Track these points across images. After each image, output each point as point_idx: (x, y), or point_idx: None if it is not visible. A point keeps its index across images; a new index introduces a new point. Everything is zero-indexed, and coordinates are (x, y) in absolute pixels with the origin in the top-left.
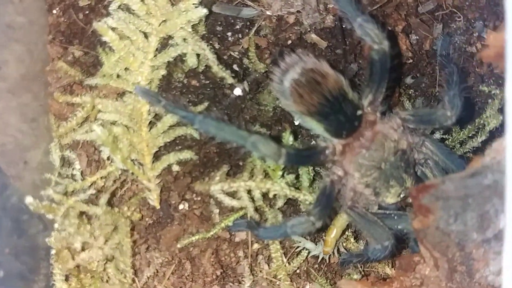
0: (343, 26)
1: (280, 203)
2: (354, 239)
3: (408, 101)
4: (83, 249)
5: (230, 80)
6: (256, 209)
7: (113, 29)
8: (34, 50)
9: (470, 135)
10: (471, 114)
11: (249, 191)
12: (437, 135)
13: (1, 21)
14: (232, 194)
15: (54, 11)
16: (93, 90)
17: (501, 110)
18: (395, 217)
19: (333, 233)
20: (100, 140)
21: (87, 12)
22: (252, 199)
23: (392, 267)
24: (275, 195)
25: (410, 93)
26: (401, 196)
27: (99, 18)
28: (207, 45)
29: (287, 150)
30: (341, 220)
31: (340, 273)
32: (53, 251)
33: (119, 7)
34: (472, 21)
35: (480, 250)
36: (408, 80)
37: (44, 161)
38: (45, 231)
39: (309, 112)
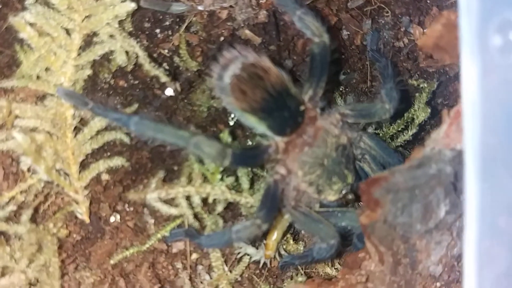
0: (277, 22)
1: (219, 208)
2: (293, 240)
3: (339, 97)
4: (2, 275)
5: (164, 79)
6: (195, 216)
7: (31, 25)
8: None
9: (399, 129)
10: (401, 108)
11: (187, 197)
12: (370, 130)
13: None
14: (169, 202)
15: None
16: (8, 94)
17: (428, 103)
18: (339, 214)
19: (274, 235)
20: (21, 149)
21: (0, 6)
22: (191, 206)
23: (332, 266)
24: (214, 200)
25: (341, 89)
26: (343, 192)
27: (14, 13)
28: (136, 42)
29: (232, 150)
30: (283, 221)
31: (281, 276)
32: None
33: (36, 1)
34: (399, 16)
35: (423, 241)
36: (340, 76)
37: None
38: None
39: (252, 109)
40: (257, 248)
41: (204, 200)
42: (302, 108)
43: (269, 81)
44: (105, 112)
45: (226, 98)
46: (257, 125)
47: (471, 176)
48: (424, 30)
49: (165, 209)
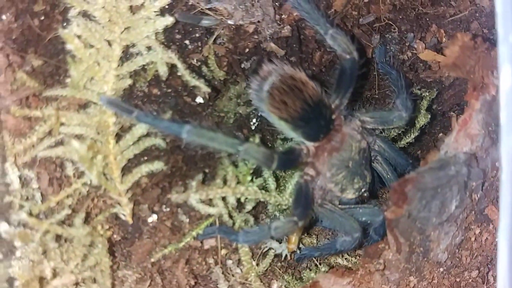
0: (300, 36)
1: (249, 206)
2: (307, 234)
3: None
4: (54, 276)
5: (205, 89)
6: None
7: (78, 36)
8: None
9: (400, 132)
10: None
11: (223, 198)
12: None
13: None
14: (206, 202)
15: (4, 17)
16: (51, 103)
17: (428, 109)
18: (360, 210)
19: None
20: (77, 156)
21: (42, 18)
22: (226, 205)
23: (342, 257)
24: (245, 199)
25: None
26: (362, 190)
27: (56, 25)
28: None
29: (278, 155)
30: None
31: (298, 268)
32: (17, 283)
33: (79, 13)
34: (405, 32)
35: (436, 232)
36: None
37: None
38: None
39: (290, 117)
40: (280, 243)
41: (237, 200)
42: (333, 116)
43: (307, 92)
44: (154, 120)
45: (264, 107)
46: (292, 132)
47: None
48: (443, 50)
49: (205, 209)
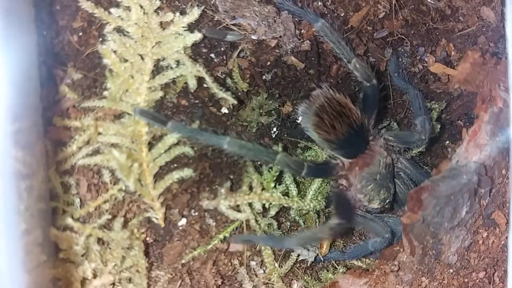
0: (319, 50)
1: (273, 212)
2: None
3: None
4: (94, 276)
5: (231, 101)
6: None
7: (114, 52)
8: (26, 73)
9: None
10: None
11: (250, 204)
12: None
13: None
14: (234, 207)
15: (45, 33)
16: (88, 113)
17: (438, 120)
18: (385, 219)
19: None
20: (117, 164)
21: (80, 34)
22: (253, 211)
23: (358, 260)
24: (270, 204)
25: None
26: (386, 201)
27: (93, 40)
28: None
29: (307, 163)
30: None
31: (315, 269)
32: (60, 283)
33: (114, 29)
34: (416, 46)
35: (447, 236)
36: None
37: (42, 189)
38: (48, 262)
39: (337, 139)
40: (308, 250)
41: (262, 206)
42: (370, 138)
43: (352, 117)
44: (193, 132)
45: (311, 128)
46: (334, 151)
47: None
48: (453, 64)
49: (234, 215)
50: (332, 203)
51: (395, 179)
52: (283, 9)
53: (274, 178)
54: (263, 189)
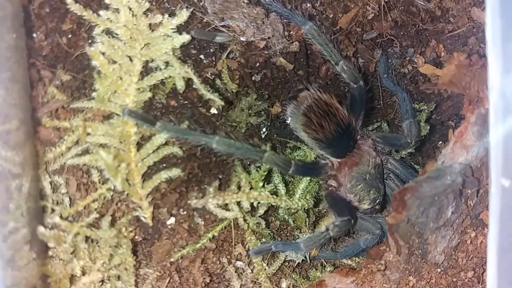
0: (308, 52)
1: (261, 211)
2: None
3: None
4: (83, 273)
5: (218, 102)
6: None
7: (102, 53)
8: (15, 74)
9: None
10: None
11: (238, 203)
12: None
13: None
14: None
15: (35, 35)
16: (77, 114)
17: (427, 121)
18: (376, 219)
19: None
20: (104, 164)
21: (69, 36)
22: (241, 210)
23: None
24: (258, 203)
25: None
26: (376, 202)
27: (82, 42)
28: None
29: (295, 161)
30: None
31: (304, 267)
32: (49, 280)
33: (102, 31)
34: (406, 47)
35: (433, 236)
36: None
37: (32, 188)
38: (37, 259)
39: (326, 138)
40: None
41: (251, 205)
42: (358, 137)
43: (339, 116)
44: (181, 131)
45: (300, 128)
46: (323, 150)
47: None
48: (442, 64)
49: (222, 213)
50: (328, 205)
51: (385, 180)
52: (272, 10)
53: (263, 178)
54: (251, 188)
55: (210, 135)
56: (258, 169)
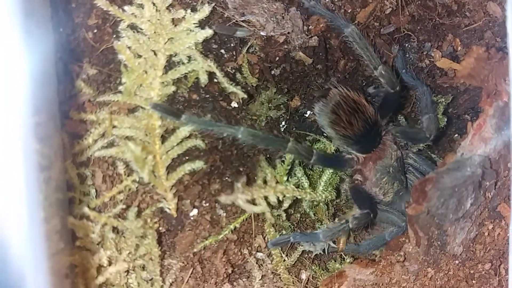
0: (326, 45)
1: (286, 204)
2: None
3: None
4: (109, 263)
5: (241, 95)
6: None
7: (128, 48)
8: (45, 68)
9: None
10: None
11: (265, 197)
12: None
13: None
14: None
15: (61, 30)
16: (103, 108)
17: (444, 113)
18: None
19: None
20: (132, 156)
21: (95, 30)
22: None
23: None
24: (283, 197)
25: (373, 101)
26: (400, 194)
27: (107, 37)
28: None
29: (316, 151)
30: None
31: (323, 259)
32: (77, 269)
33: (127, 26)
34: (423, 42)
35: (452, 227)
36: (371, 89)
37: (60, 180)
38: (65, 249)
39: (354, 135)
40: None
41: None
42: (383, 133)
43: (367, 114)
44: (211, 125)
45: (327, 124)
46: (350, 147)
47: None
48: (459, 58)
49: (251, 208)
50: (352, 198)
51: (406, 175)
52: (315, 13)
53: (287, 171)
54: (277, 182)
55: (235, 126)
56: (282, 163)
